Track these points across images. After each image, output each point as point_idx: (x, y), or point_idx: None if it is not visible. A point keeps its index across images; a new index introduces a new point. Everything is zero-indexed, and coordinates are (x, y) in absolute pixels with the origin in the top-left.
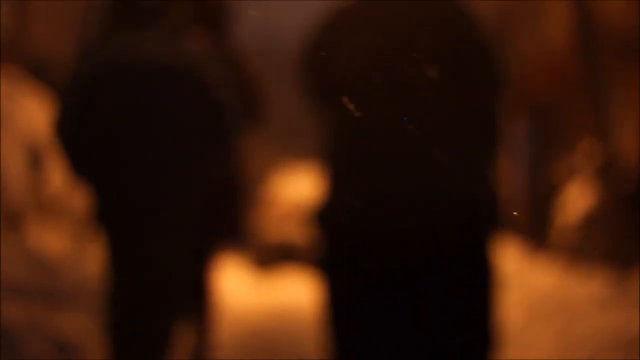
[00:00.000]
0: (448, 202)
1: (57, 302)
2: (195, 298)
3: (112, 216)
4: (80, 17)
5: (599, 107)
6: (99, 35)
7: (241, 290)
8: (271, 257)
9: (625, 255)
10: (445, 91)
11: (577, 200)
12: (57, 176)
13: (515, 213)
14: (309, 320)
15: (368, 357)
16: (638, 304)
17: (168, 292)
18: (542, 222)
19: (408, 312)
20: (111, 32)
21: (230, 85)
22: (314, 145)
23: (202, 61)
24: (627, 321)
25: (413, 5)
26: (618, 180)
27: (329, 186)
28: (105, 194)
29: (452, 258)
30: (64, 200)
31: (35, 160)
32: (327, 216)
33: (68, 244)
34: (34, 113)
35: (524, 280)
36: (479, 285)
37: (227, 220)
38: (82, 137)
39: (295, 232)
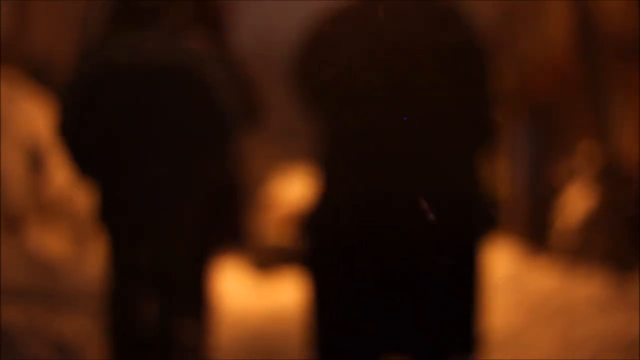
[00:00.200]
0: (446, 202)
1: (57, 304)
2: (194, 300)
3: (112, 216)
4: (80, 17)
5: (599, 108)
6: (99, 35)
7: (241, 292)
8: (271, 259)
9: (626, 257)
10: (442, 91)
11: (577, 202)
12: (58, 178)
13: (514, 214)
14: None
15: (368, 357)
16: (638, 306)
17: (168, 293)
18: (541, 224)
19: (407, 312)
20: (111, 32)
21: (230, 86)
22: (313, 146)
23: (201, 61)
24: (627, 323)
25: (409, 6)
26: (618, 181)
27: (326, 187)
28: (106, 194)
29: (448, 258)
30: (64, 202)
31: (35, 163)
32: (323, 218)
33: (68, 246)
34: (34, 115)
35: (524, 283)
36: (470, 286)
37: (226, 222)
38: (82, 137)
39: (295, 235)
